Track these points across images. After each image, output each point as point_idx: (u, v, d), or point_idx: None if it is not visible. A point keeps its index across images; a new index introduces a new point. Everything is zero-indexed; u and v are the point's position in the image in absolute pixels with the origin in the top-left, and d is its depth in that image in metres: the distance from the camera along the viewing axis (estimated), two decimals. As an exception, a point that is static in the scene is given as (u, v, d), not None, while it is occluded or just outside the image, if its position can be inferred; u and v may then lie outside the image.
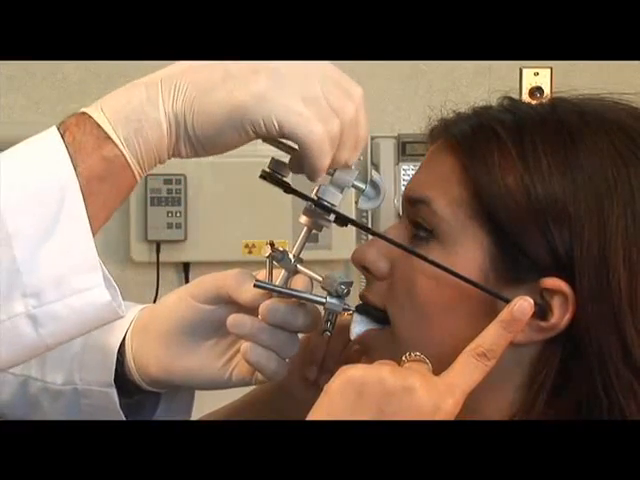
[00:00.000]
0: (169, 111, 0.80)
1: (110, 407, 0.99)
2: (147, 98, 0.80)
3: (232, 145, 0.82)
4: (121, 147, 0.80)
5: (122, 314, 0.81)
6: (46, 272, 0.78)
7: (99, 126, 0.80)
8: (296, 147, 0.84)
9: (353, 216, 1.98)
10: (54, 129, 0.80)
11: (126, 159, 0.80)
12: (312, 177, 0.84)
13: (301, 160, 0.83)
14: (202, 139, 0.81)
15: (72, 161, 0.78)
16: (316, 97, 0.81)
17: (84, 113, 0.81)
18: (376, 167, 2.25)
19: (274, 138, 0.84)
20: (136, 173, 0.81)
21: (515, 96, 0.93)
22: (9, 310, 0.78)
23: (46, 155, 0.79)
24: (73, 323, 0.80)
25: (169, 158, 0.83)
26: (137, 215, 2.20)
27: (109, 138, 0.79)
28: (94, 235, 0.79)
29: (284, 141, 0.86)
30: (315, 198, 0.88)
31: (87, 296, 0.79)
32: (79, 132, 0.80)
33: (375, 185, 0.89)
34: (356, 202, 0.90)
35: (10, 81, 2.22)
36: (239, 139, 0.81)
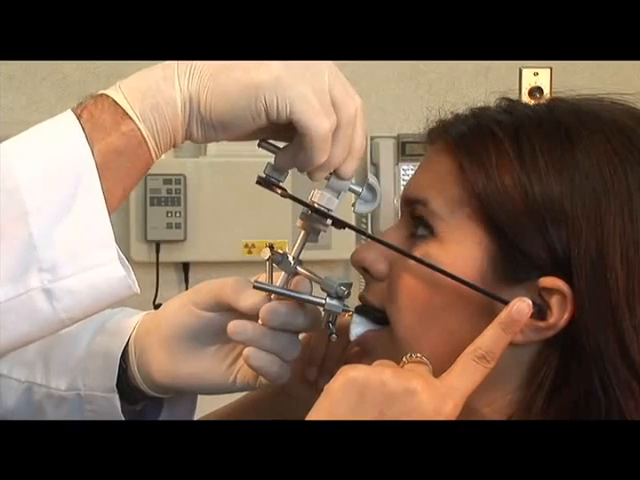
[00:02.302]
0: (184, 89, 0.81)
1: (113, 413, 0.99)
2: (163, 77, 0.81)
3: (242, 128, 0.82)
4: (137, 122, 0.80)
5: (136, 290, 0.82)
6: (62, 247, 0.78)
7: (117, 104, 0.81)
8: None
9: (352, 217, 1.98)
10: (69, 111, 0.81)
11: (142, 134, 0.81)
12: (305, 170, 0.85)
13: (299, 152, 0.83)
14: (214, 118, 0.81)
15: (88, 138, 0.79)
16: (323, 90, 0.82)
17: (102, 94, 0.82)
18: (376, 167, 2.25)
19: (280, 123, 0.82)
20: (152, 150, 0.81)
21: (515, 96, 0.93)
22: (25, 284, 0.78)
23: (62, 133, 0.80)
24: (88, 298, 0.80)
25: (182, 142, 0.83)
26: (137, 215, 2.20)
27: (126, 114, 0.80)
28: (112, 212, 0.80)
29: (280, 145, 0.86)
30: (311, 203, 0.88)
31: (102, 271, 0.80)
32: (97, 110, 0.81)
33: (372, 188, 0.89)
34: (353, 205, 0.89)
35: (10, 81, 2.22)
36: (251, 121, 0.81)
